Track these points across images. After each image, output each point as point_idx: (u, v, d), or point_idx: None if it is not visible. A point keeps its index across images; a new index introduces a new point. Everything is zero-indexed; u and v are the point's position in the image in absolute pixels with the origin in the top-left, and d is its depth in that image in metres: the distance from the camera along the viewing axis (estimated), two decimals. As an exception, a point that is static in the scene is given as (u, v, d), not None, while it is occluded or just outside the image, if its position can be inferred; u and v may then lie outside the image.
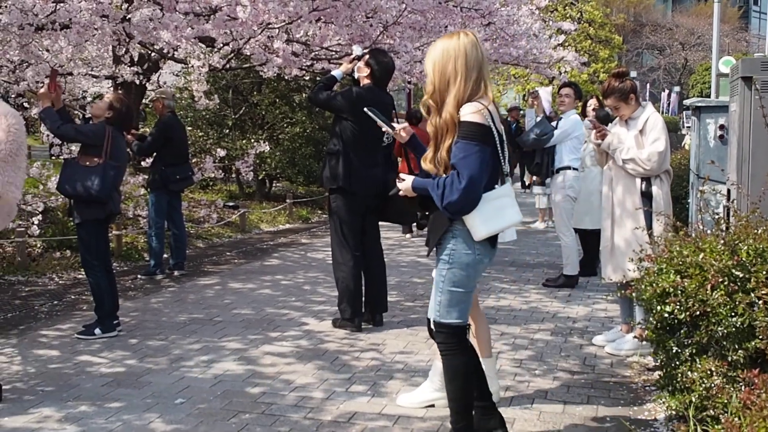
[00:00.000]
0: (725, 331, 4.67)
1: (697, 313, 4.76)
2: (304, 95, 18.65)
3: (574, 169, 10.00)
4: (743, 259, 4.78)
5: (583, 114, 10.63)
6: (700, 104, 10.40)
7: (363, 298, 8.03)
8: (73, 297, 9.52)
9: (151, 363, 6.83)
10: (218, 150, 15.48)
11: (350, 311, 7.88)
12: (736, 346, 4.69)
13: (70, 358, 6.99)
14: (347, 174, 7.79)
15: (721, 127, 9.79)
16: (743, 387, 4.38)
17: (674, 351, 5.04)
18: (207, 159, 14.57)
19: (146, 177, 12.09)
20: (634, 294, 5.43)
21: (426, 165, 4.70)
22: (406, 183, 4.81)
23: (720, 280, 4.73)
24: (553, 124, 10.18)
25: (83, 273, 8.85)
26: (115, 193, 7.76)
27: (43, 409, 5.71)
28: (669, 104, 52.32)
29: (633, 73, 38.63)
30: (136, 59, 12.34)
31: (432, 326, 4.86)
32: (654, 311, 5.03)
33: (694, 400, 4.73)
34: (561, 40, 16.64)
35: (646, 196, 6.79)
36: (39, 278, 10.59)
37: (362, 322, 7.94)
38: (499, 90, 34.12)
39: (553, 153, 10.16)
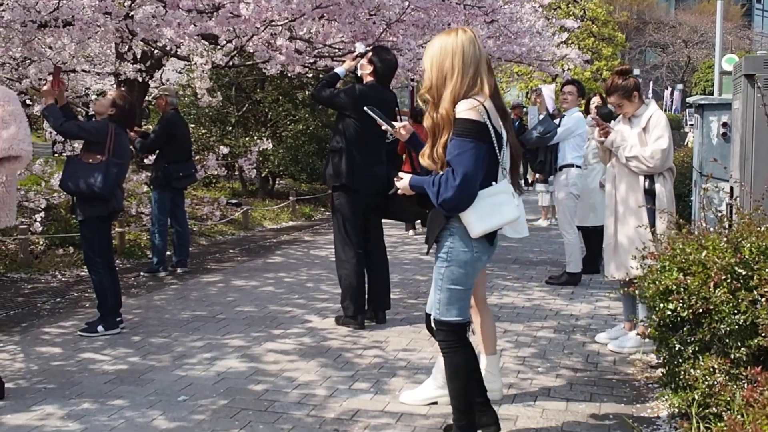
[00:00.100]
0: (728, 328, 4.67)
1: (700, 310, 4.76)
2: (307, 92, 18.64)
3: (577, 166, 10.01)
4: (746, 256, 4.78)
5: (586, 111, 10.64)
6: (703, 102, 10.38)
7: (366, 296, 8.03)
8: (75, 294, 9.52)
9: (153, 360, 6.84)
10: (221, 147, 15.49)
11: (353, 308, 7.89)
12: (739, 344, 4.68)
13: (73, 355, 6.99)
14: (350, 171, 7.79)
15: (724, 124, 9.78)
16: (746, 384, 4.37)
17: (677, 348, 5.04)
18: (210, 156, 14.58)
19: (149, 174, 12.09)
20: (637, 291, 5.43)
21: (424, 161, 4.70)
22: (403, 181, 4.82)
23: (723, 277, 4.72)
24: (556, 121, 10.18)
25: (86, 270, 8.87)
26: (118, 191, 7.76)
27: (46, 406, 5.71)
28: (672, 102, 52.32)
29: (636, 71, 38.65)
30: (139, 56, 12.35)
31: (431, 323, 4.87)
32: (657, 309, 5.02)
33: (696, 397, 4.73)
34: (564, 38, 16.61)
35: (649, 194, 6.79)
36: (42, 275, 10.59)
37: (365, 320, 7.94)
38: (502, 88, 34.08)
39: (556, 151, 10.16)
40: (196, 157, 14.52)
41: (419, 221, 14.00)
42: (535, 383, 6.24)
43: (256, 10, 9.04)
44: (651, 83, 55.12)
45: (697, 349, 4.92)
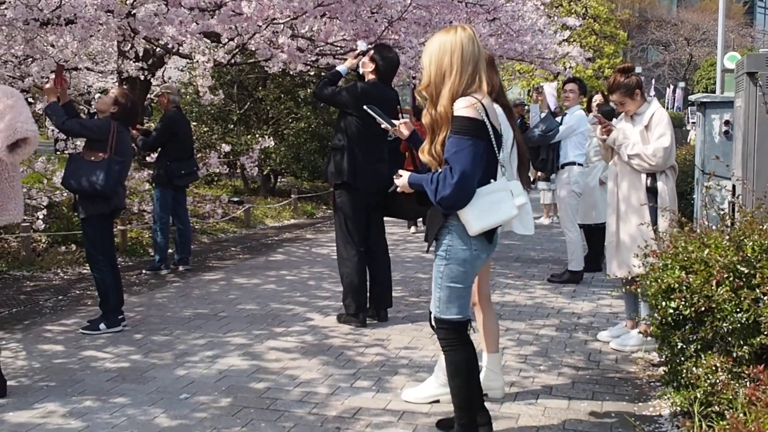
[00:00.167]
0: (730, 327, 4.67)
1: (702, 309, 4.76)
2: (308, 90, 18.65)
3: (579, 164, 10.01)
4: (748, 254, 4.78)
5: (588, 109, 10.63)
6: (705, 100, 10.38)
7: (368, 294, 8.03)
8: (77, 292, 9.53)
9: (155, 358, 6.84)
10: (223, 145, 15.47)
11: (355, 306, 7.89)
12: (741, 342, 4.68)
13: (75, 353, 7.00)
14: (352, 169, 7.79)
15: (726, 122, 9.77)
16: (748, 383, 4.37)
17: (679, 347, 5.03)
18: (212, 154, 14.58)
19: (151, 172, 12.10)
20: (639, 290, 5.43)
21: (423, 156, 4.71)
22: (402, 179, 4.82)
23: (725, 275, 4.72)
24: (558, 119, 10.18)
25: (88, 268, 8.87)
26: (120, 188, 7.76)
27: (48, 404, 5.72)
28: (674, 100, 52.27)
29: (638, 69, 38.62)
30: (141, 54, 12.35)
31: (432, 321, 4.87)
32: (659, 307, 5.02)
33: (699, 396, 4.73)
34: (566, 36, 16.59)
35: (652, 192, 6.78)
36: (44, 273, 10.60)
37: (367, 318, 7.94)
38: (503, 85, 34.05)
39: (558, 149, 10.16)
40: (198, 155, 14.53)
41: (421, 219, 13.99)
42: (536, 381, 6.24)
43: (258, 8, 9.03)
44: (653, 81, 55.06)
45: (699, 347, 4.92)
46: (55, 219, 12.17)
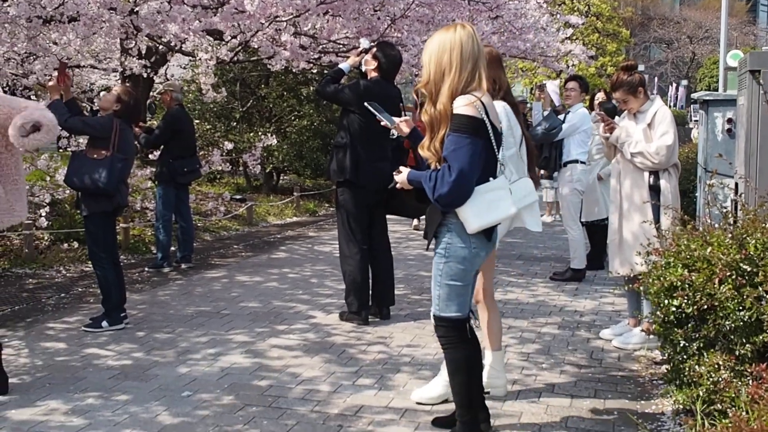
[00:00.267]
0: (733, 325, 4.67)
1: (705, 307, 4.76)
2: (311, 88, 18.64)
3: (581, 162, 10.01)
4: (751, 252, 4.78)
5: (591, 107, 10.63)
6: (707, 98, 10.37)
7: (370, 292, 8.03)
8: (80, 290, 9.53)
9: (158, 356, 6.84)
10: (226, 143, 15.49)
11: (357, 304, 7.89)
12: (744, 340, 4.68)
13: (77, 350, 7.00)
14: (354, 167, 7.78)
15: (729, 120, 9.77)
16: (751, 381, 4.37)
17: (682, 345, 5.03)
18: (214, 152, 14.58)
19: (154, 170, 12.10)
20: (641, 288, 5.42)
21: (423, 152, 4.71)
22: (402, 175, 4.83)
23: (728, 274, 4.72)
24: (561, 117, 10.17)
25: (90, 265, 8.87)
26: (123, 186, 7.76)
27: (50, 401, 5.72)
28: (677, 98, 52.26)
29: (641, 67, 38.56)
30: (143, 52, 12.35)
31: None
32: (661, 305, 5.02)
33: (701, 394, 4.72)
34: (569, 34, 16.58)
35: (654, 190, 6.78)
36: (46, 271, 10.60)
37: (369, 316, 7.94)
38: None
39: (561, 146, 10.16)
40: (201, 153, 14.52)
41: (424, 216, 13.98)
42: (539, 379, 6.24)
43: (260, 5, 9.04)
44: (656, 79, 55.07)
45: (701, 345, 4.92)
46: (57, 216, 12.18)
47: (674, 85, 54.71)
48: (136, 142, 9.71)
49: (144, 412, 5.51)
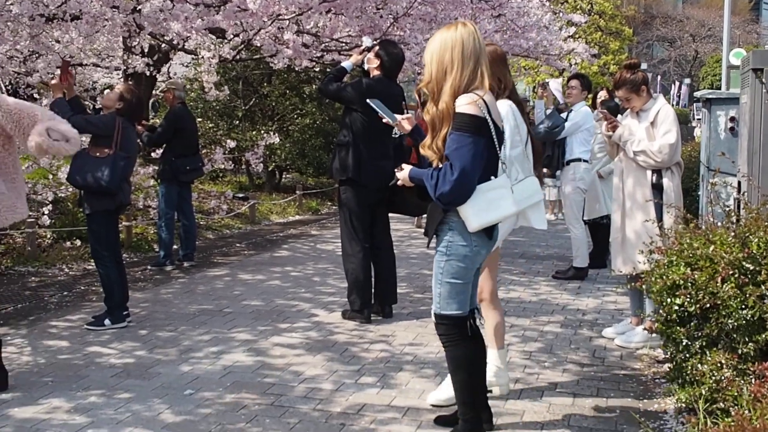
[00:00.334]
0: (735, 323, 4.67)
1: (708, 305, 4.75)
2: (314, 86, 18.66)
3: (584, 161, 10.00)
4: (754, 251, 4.78)
5: (593, 106, 10.62)
6: (710, 96, 10.37)
7: (372, 290, 8.03)
8: (82, 288, 9.53)
9: (160, 354, 6.84)
10: (228, 141, 15.50)
11: (360, 303, 7.89)
12: (747, 339, 4.68)
13: (80, 349, 7.00)
14: (357, 165, 7.79)
15: (732, 119, 9.77)
16: (753, 379, 4.37)
17: (684, 343, 5.03)
18: (217, 150, 14.58)
19: (156, 168, 12.11)
20: (644, 286, 5.42)
21: (424, 151, 4.71)
22: (403, 172, 4.83)
23: (730, 272, 4.72)
24: (564, 116, 10.17)
25: (93, 264, 8.87)
26: (125, 184, 7.77)
27: (53, 399, 5.72)
28: (679, 96, 52.23)
29: (643, 65, 38.55)
30: (146, 50, 12.35)
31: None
32: (664, 303, 5.02)
33: (704, 392, 4.72)
34: (571, 32, 16.58)
35: (657, 189, 6.77)
36: (49, 269, 10.61)
37: (371, 314, 7.94)
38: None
39: (564, 145, 10.16)
40: (203, 151, 14.54)
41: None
42: (541, 378, 6.24)
43: (263, 3, 9.04)
44: (658, 77, 55.00)
45: (704, 344, 4.91)
46: (60, 215, 12.19)
47: (677, 83, 54.66)
48: (138, 141, 9.71)
49: (146, 410, 5.52)
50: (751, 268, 4.71)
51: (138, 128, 9.55)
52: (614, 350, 7.00)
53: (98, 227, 7.68)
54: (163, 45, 12.31)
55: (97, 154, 7.57)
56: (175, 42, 10.71)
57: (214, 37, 11.66)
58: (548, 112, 10.47)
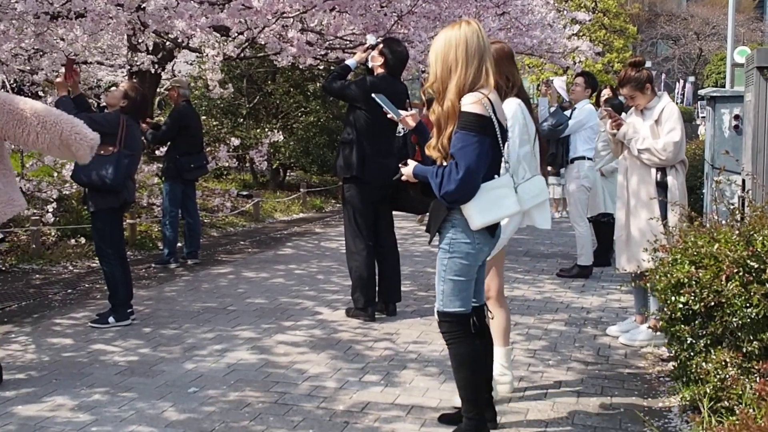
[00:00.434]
0: (740, 322, 4.66)
1: (712, 303, 4.75)
2: (318, 84, 18.65)
3: (588, 159, 10.00)
4: (758, 249, 4.77)
5: (597, 104, 10.62)
6: (714, 94, 10.36)
7: (376, 288, 8.03)
8: (87, 285, 9.54)
9: (164, 352, 6.85)
10: (232, 139, 15.50)
11: (363, 301, 7.89)
12: (751, 337, 4.68)
13: (84, 346, 7.01)
14: (361, 163, 7.78)
15: (736, 117, 9.75)
16: (758, 378, 4.37)
17: (689, 342, 5.03)
18: (221, 148, 14.59)
19: (160, 166, 12.11)
20: (648, 284, 5.42)
21: (430, 152, 4.72)
22: (408, 169, 4.84)
23: (735, 270, 4.71)
24: (567, 113, 10.17)
25: (97, 261, 8.88)
26: (130, 182, 7.77)
27: (57, 397, 5.72)
28: (683, 94, 52.15)
29: (648, 63, 38.49)
30: (150, 48, 12.37)
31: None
32: (668, 302, 5.01)
33: (708, 391, 4.72)
34: (575, 30, 16.61)
35: (661, 187, 6.77)
36: (53, 266, 10.62)
37: (375, 312, 7.94)
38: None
39: (568, 143, 10.16)
40: (208, 149, 14.54)
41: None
42: (546, 376, 6.23)
43: (267, 1, 9.04)
44: (663, 76, 54.92)
45: (708, 342, 4.91)
46: (64, 212, 12.20)
47: (681, 81, 54.56)
48: (143, 138, 9.71)
49: (150, 408, 5.52)
50: (756, 266, 4.71)
51: (142, 126, 9.56)
52: (619, 348, 7.00)
53: (103, 225, 7.69)
54: (168, 43, 12.33)
55: (102, 152, 7.55)
56: (179, 40, 10.72)
57: (218, 35, 11.67)
58: (552, 109, 10.47)
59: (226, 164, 15.73)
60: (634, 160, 6.88)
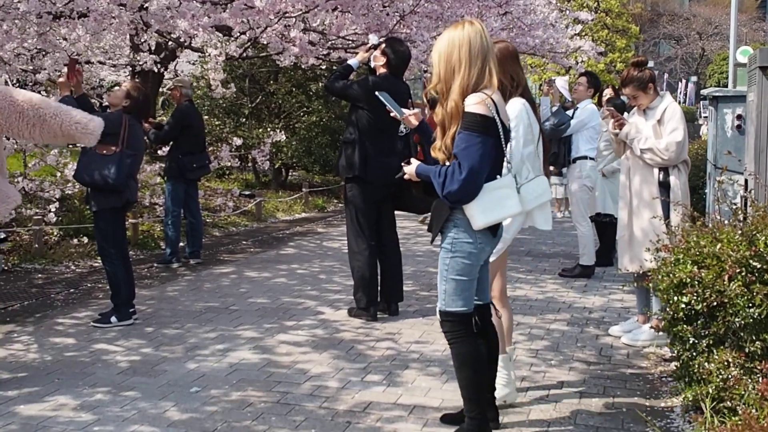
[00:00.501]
0: (742, 322, 4.66)
1: (714, 303, 4.75)
2: (320, 84, 18.66)
3: (590, 158, 10.00)
4: (761, 249, 4.77)
5: (599, 104, 10.62)
6: (717, 94, 10.35)
7: (379, 288, 8.03)
8: (89, 285, 9.54)
9: (166, 351, 6.85)
10: (234, 139, 15.51)
11: (366, 300, 7.89)
12: (754, 338, 4.67)
13: (86, 346, 7.01)
14: (363, 163, 7.78)
15: (739, 117, 9.74)
16: (761, 378, 4.36)
17: (691, 342, 5.02)
18: (223, 148, 14.59)
19: (163, 165, 12.11)
20: (650, 284, 5.41)
21: (436, 154, 4.72)
22: (411, 167, 4.84)
23: (737, 270, 4.71)
24: (569, 113, 10.17)
25: (100, 261, 8.88)
26: (132, 182, 7.77)
27: (59, 396, 5.73)
28: (686, 94, 52.13)
29: (650, 63, 38.46)
30: (153, 48, 12.37)
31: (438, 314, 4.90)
32: (671, 302, 5.01)
33: (710, 391, 4.71)
34: (578, 30, 16.59)
35: (664, 186, 6.76)
36: (55, 266, 10.62)
37: (378, 312, 7.94)
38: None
39: (570, 143, 10.16)
40: (210, 149, 14.54)
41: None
42: (548, 376, 6.23)
43: (270, 1, 9.04)
44: (665, 75, 54.91)
45: (711, 342, 4.91)
46: (67, 212, 12.21)
47: (683, 81, 54.53)
48: (145, 138, 9.71)
49: (152, 407, 5.52)
50: (758, 266, 4.71)
51: (145, 126, 9.56)
52: (621, 348, 6.99)
53: (105, 224, 7.69)
54: (170, 43, 12.32)
55: (104, 151, 7.57)
56: (181, 39, 10.71)
57: (220, 34, 11.67)
58: (554, 109, 10.47)
59: (229, 164, 15.74)
60: (637, 160, 6.87)
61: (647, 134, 6.78)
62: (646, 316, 7.09)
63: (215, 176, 18.58)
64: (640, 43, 54.60)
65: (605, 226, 10.15)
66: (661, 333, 5.67)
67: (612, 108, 7.50)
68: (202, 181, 14.73)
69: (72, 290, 9.24)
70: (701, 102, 38.57)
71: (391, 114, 5.28)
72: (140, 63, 12.21)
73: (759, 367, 4.43)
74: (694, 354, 5.01)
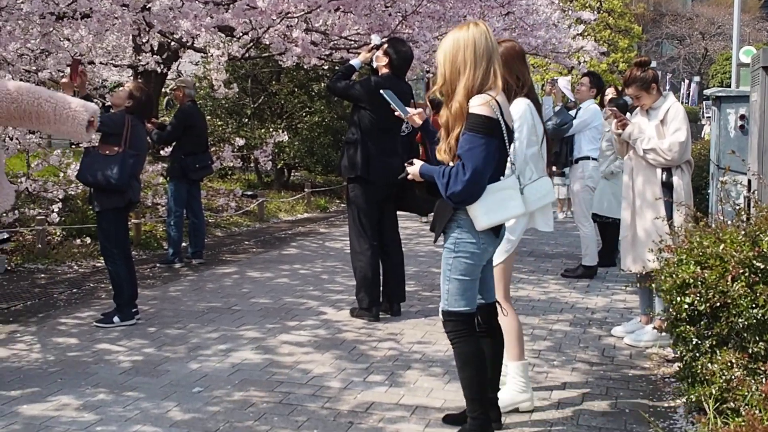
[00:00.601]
0: (746, 322, 4.65)
1: (718, 304, 4.74)
2: (322, 84, 18.67)
3: (593, 159, 9.99)
4: (764, 250, 4.76)
5: (601, 104, 10.61)
6: (720, 94, 10.35)
7: (381, 288, 8.02)
8: (92, 285, 9.55)
9: (169, 351, 6.85)
10: (237, 139, 15.50)
11: (368, 301, 7.88)
12: (757, 338, 4.66)
13: (89, 346, 7.01)
14: (365, 163, 7.79)
15: (742, 117, 9.74)
16: (764, 379, 4.35)
17: (694, 342, 5.01)
18: (226, 148, 14.59)
19: (165, 165, 12.12)
20: (653, 285, 5.41)
21: (440, 155, 4.72)
22: (414, 167, 4.85)
23: (741, 271, 4.70)
24: (572, 113, 10.16)
25: (102, 261, 8.89)
26: (135, 182, 7.78)
27: (62, 396, 5.73)
28: (689, 94, 52.09)
29: (653, 63, 38.42)
30: (155, 48, 12.37)
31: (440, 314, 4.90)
32: (674, 302, 5.00)
33: (714, 392, 4.70)
34: (580, 30, 16.59)
35: (667, 187, 6.76)
36: (58, 266, 10.62)
37: (380, 312, 7.94)
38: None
39: (572, 143, 10.15)
40: (212, 149, 14.53)
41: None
42: (550, 377, 6.23)
43: (272, 1, 9.04)
44: (668, 75, 54.88)
45: (714, 343, 4.90)
46: (69, 212, 12.22)
47: (686, 81, 54.50)
48: (148, 138, 9.72)
49: (155, 407, 5.52)
50: (762, 266, 4.70)
51: (147, 126, 9.56)
52: (624, 349, 6.99)
53: (108, 225, 7.70)
54: (173, 43, 12.32)
55: (107, 152, 7.58)
56: (184, 40, 10.71)
57: (223, 35, 11.66)
58: (556, 108, 10.47)
59: (231, 164, 15.74)
60: (640, 160, 6.87)
61: (650, 134, 6.77)
62: (649, 317, 7.09)
63: (218, 176, 18.59)
64: (642, 43, 54.58)
65: (606, 226, 10.14)
66: (663, 334, 5.66)
67: (615, 108, 7.49)
68: (205, 181, 14.75)
69: (75, 290, 9.24)
70: (704, 102, 38.55)
71: (396, 113, 5.29)
72: (143, 63, 12.22)
73: (762, 368, 4.43)
74: (697, 355, 5.00)
